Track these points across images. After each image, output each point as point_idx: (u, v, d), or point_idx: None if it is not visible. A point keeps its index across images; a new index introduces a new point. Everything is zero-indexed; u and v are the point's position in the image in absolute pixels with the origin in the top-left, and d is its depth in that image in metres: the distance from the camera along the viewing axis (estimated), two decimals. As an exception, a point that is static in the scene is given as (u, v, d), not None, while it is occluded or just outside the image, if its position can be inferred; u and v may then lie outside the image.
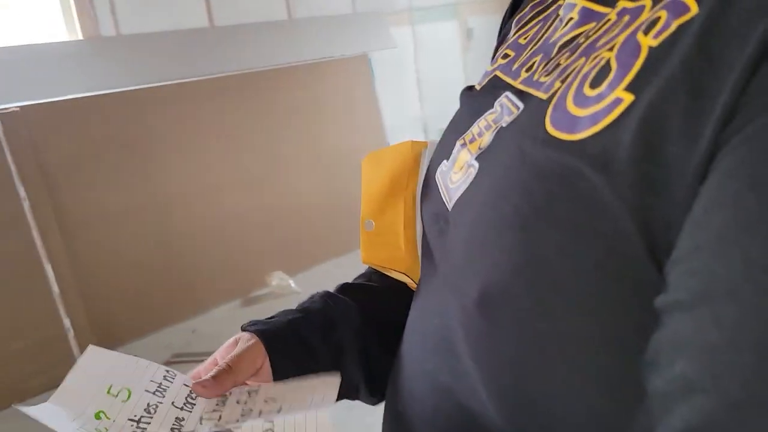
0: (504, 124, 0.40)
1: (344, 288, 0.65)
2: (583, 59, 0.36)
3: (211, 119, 3.15)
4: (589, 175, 0.30)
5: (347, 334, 0.59)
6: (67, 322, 2.46)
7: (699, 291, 0.25)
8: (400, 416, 0.48)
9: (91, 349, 0.55)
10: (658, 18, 0.31)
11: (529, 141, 0.35)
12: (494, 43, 0.61)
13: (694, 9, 0.29)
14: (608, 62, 0.32)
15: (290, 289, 2.99)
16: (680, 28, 0.29)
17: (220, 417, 0.53)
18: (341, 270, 3.28)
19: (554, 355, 0.32)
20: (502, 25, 0.61)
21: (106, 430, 0.49)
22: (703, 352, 0.24)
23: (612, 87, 0.31)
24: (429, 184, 0.52)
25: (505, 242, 0.33)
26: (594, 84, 0.33)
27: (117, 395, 0.52)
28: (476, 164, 0.41)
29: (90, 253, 2.63)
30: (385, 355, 0.60)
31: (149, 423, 0.50)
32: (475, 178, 0.40)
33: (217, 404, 0.54)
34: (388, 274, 0.61)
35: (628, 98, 0.30)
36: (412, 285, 0.59)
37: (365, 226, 0.61)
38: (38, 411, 0.47)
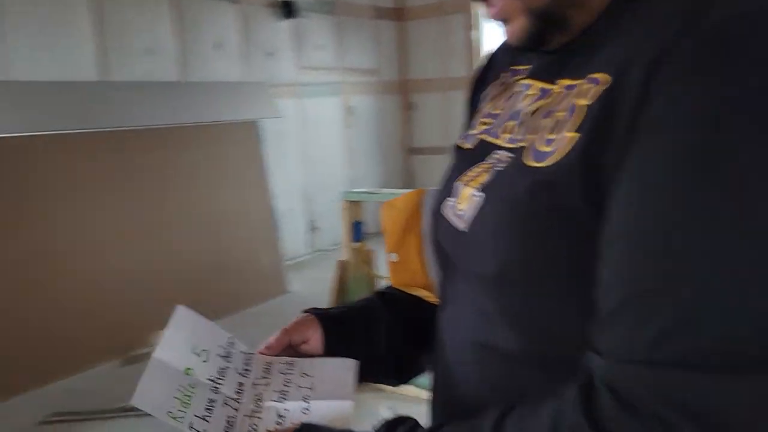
0: (500, 167, 0.60)
1: (380, 293, 0.81)
2: (546, 119, 0.57)
3: (101, 173, 3.11)
4: (553, 185, 0.49)
5: (379, 327, 0.74)
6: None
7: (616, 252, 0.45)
8: (446, 383, 0.65)
9: (180, 309, 0.67)
10: (588, 88, 0.50)
11: (516, 173, 0.55)
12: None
13: (605, 79, 0.49)
14: (560, 118, 0.52)
15: (175, 348, 2.95)
16: (596, 92, 0.49)
17: (268, 383, 0.65)
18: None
19: (544, 302, 0.52)
20: (469, 100, 0.81)
21: (192, 388, 0.60)
22: (616, 276, 0.45)
23: (563, 132, 0.51)
24: (436, 217, 0.69)
25: (507, 240, 0.54)
26: (553, 131, 0.53)
27: (200, 355, 0.64)
28: (482, 194, 0.59)
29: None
30: (407, 345, 0.75)
31: (222, 384, 0.63)
32: (484, 202, 0.59)
33: (264, 374, 0.67)
34: (411, 291, 0.77)
35: (575, 136, 0.49)
36: (428, 296, 0.76)
37: (390, 258, 0.77)
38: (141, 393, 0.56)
